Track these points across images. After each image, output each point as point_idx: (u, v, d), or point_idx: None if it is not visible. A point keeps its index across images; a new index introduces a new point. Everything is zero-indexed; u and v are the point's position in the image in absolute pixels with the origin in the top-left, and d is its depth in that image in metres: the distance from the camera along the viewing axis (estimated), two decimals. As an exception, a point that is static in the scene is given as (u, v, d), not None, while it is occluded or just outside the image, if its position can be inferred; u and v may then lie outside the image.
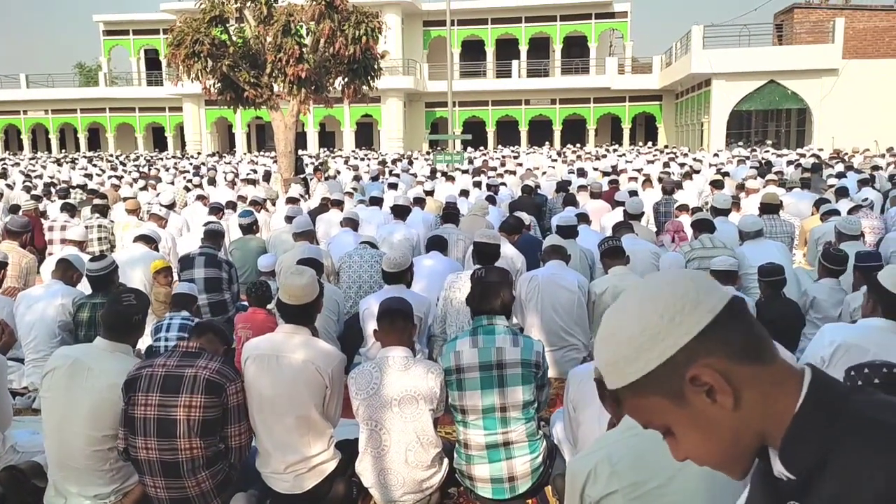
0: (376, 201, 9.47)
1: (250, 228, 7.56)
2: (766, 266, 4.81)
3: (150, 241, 6.42)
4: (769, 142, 28.00)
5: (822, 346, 3.17)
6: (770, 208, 7.13)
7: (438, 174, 15.99)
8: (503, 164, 18.61)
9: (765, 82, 27.12)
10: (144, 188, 13.71)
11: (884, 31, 31.50)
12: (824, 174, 12.77)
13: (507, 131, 37.63)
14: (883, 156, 18.89)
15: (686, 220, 7.46)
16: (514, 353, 3.17)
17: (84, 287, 5.07)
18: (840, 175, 12.22)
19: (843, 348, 3.06)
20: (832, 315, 4.77)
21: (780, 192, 10.04)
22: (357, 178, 14.87)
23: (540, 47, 38.71)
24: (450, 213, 7.56)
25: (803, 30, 30.36)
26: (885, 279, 3.09)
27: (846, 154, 19.80)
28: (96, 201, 9.65)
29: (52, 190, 13.22)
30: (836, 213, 7.22)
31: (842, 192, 9.24)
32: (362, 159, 24.37)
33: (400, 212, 7.72)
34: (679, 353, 0.93)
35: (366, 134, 37.81)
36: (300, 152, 18.56)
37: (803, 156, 18.24)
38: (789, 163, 16.48)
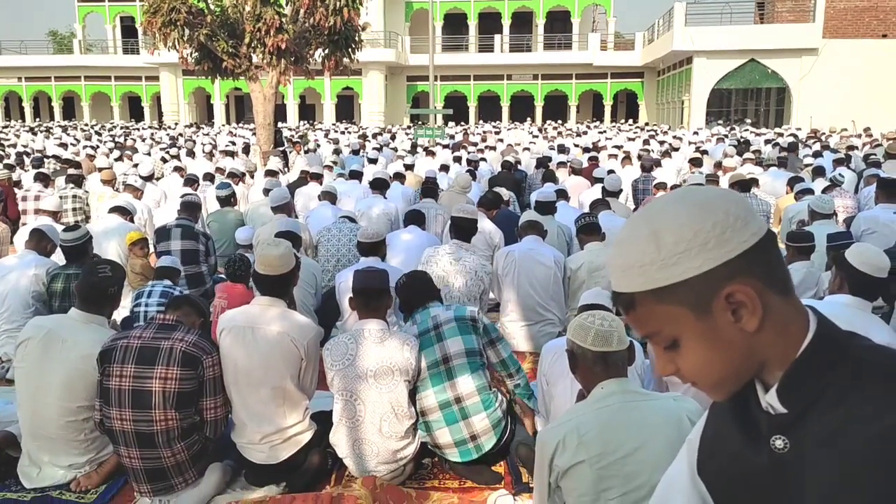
0: (356, 175, 9.44)
1: (228, 200, 7.51)
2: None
3: (125, 212, 6.36)
4: (748, 120, 28.18)
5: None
6: (743, 186, 7.20)
7: (419, 149, 15.93)
8: (484, 140, 18.58)
9: (745, 61, 27.24)
10: (120, 158, 13.53)
11: (864, 11, 31.61)
12: (801, 153, 12.90)
13: (489, 106, 37.48)
14: (859, 136, 19.11)
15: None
16: (447, 314, 3.41)
17: (58, 258, 5.02)
18: (816, 154, 12.35)
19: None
20: (807, 297, 4.81)
21: (757, 170, 10.14)
22: (337, 152, 14.76)
23: (523, 22, 38.47)
24: (429, 188, 7.55)
25: (784, 8, 30.40)
26: (851, 256, 3.15)
27: (823, 133, 20.00)
28: (71, 171, 9.52)
29: (26, 159, 13.03)
30: (811, 192, 7.30)
31: (818, 172, 9.34)
32: (343, 133, 24.19)
33: (379, 186, 7.70)
34: (721, 266, 0.92)
35: (346, 107, 37.49)
36: (280, 125, 18.34)
37: (781, 135, 18.41)
38: (767, 141, 16.62)
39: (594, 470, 2.09)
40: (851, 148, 14.07)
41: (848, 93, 25.86)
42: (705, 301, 0.94)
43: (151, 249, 6.19)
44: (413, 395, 3.27)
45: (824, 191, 7.81)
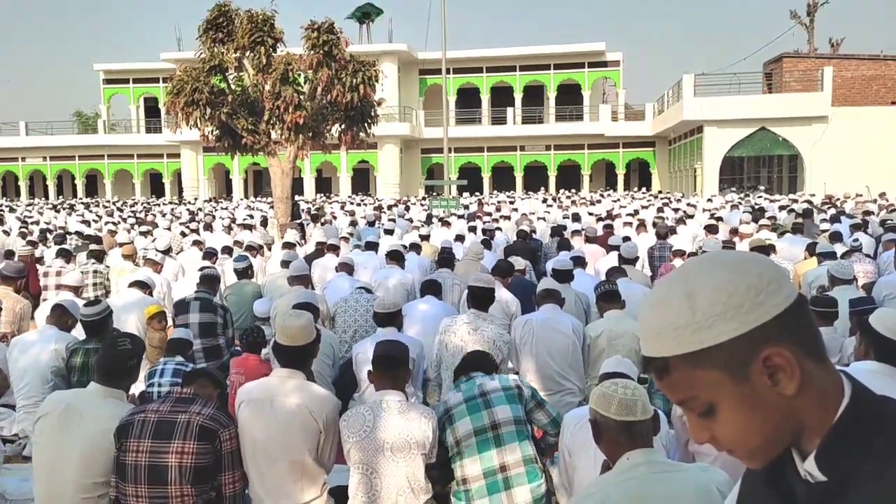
0: (372, 246, 9.50)
1: (245, 273, 7.57)
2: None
3: (144, 286, 6.42)
4: (762, 187, 28.29)
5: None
6: (760, 252, 7.16)
7: (435, 219, 16.09)
8: (498, 210, 18.74)
9: (756, 129, 27.53)
10: (142, 234, 13.75)
11: (871, 80, 32.14)
12: (816, 219, 12.89)
13: (503, 177, 37.98)
14: (875, 201, 19.08)
15: (679, 264, 7.50)
16: (493, 383, 3.46)
17: (79, 333, 5.05)
18: (833, 219, 12.33)
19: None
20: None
21: (773, 237, 10.11)
22: (353, 224, 14.94)
23: (534, 94, 39.36)
24: (445, 258, 7.58)
25: (792, 78, 30.96)
26: (876, 322, 3.10)
27: (838, 199, 20.01)
28: (92, 247, 9.67)
29: (49, 236, 13.25)
30: (833, 255, 7.26)
31: (835, 237, 9.32)
32: (359, 205, 24.53)
33: (395, 257, 7.74)
34: (757, 329, 0.92)
35: (362, 179, 38.12)
36: (297, 198, 18.65)
37: (795, 201, 18.43)
38: (781, 208, 16.64)
39: (622, 545, 2.02)
40: (868, 213, 14.04)
41: (860, 159, 25.98)
42: (742, 365, 0.93)
43: (170, 323, 6.21)
44: (426, 465, 3.20)
45: (843, 256, 7.76)
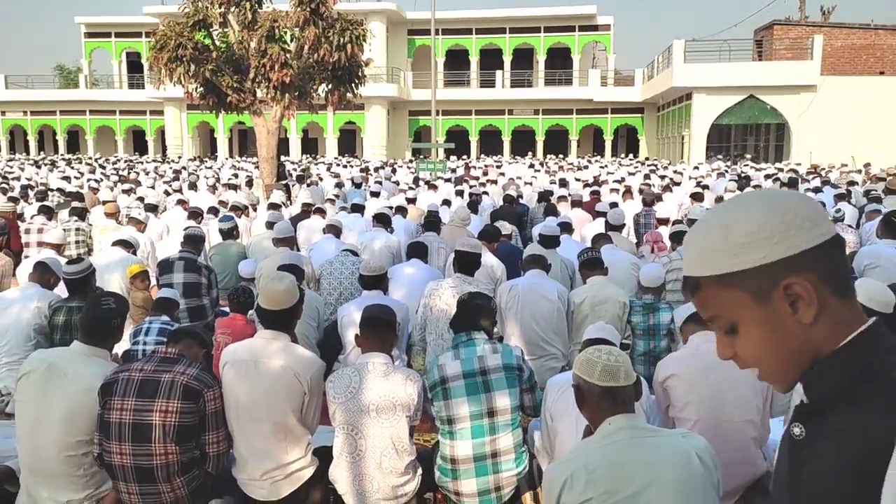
0: (358, 208, 9.46)
1: (230, 233, 7.53)
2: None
3: (128, 245, 6.37)
4: (748, 156, 28.37)
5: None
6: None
7: (421, 182, 16.02)
8: (485, 174, 18.68)
9: (744, 97, 27.48)
10: (125, 191, 13.59)
11: (861, 49, 32.08)
12: (801, 188, 12.95)
13: (491, 140, 37.76)
14: (859, 171, 19.19)
15: (665, 231, 7.53)
16: (496, 359, 3.29)
17: (61, 291, 5.01)
18: (817, 190, 12.40)
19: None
20: None
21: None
22: (339, 185, 14.84)
23: (524, 58, 38.97)
24: (431, 222, 7.57)
25: (783, 46, 30.82)
26: (857, 291, 3.14)
27: (823, 169, 20.10)
28: (74, 204, 9.56)
29: (30, 192, 13.07)
30: (813, 226, 7.31)
31: (818, 207, 9.37)
32: (345, 166, 24.34)
33: (382, 220, 7.71)
34: (783, 260, 1.00)
35: (349, 141, 37.77)
36: (283, 158, 18.48)
37: (781, 170, 18.49)
38: (767, 177, 16.70)
39: (602, 508, 2.05)
40: (852, 183, 14.13)
41: (847, 129, 26.04)
42: (765, 290, 1.02)
43: (154, 282, 6.18)
44: (410, 433, 3.23)
45: (826, 226, 7.82)
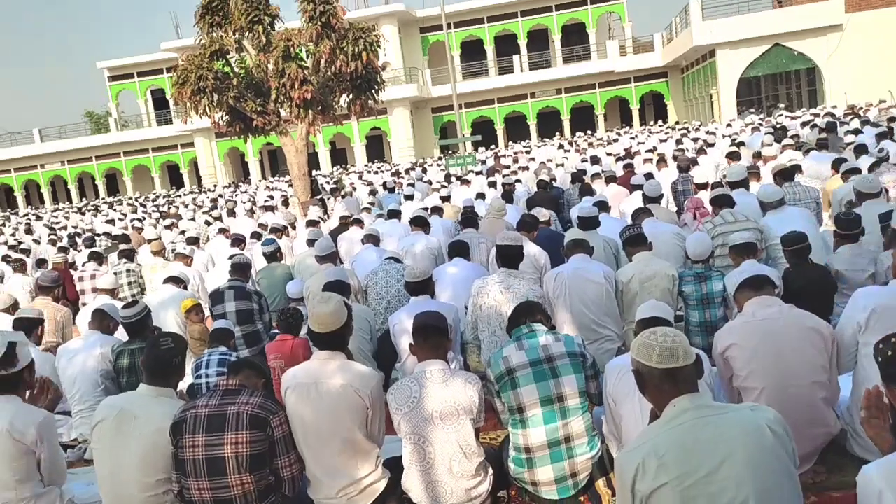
0: (395, 214, 9.50)
1: (274, 256, 7.63)
2: (788, 235, 4.74)
3: (178, 281, 6.52)
4: (781, 105, 27.64)
5: (856, 311, 3.14)
6: (785, 175, 7.03)
7: (453, 178, 16.02)
8: (516, 161, 18.60)
9: (770, 46, 26.82)
10: (167, 227, 13.91)
11: (885, -20, 30.99)
12: (841, 132, 12.60)
13: (516, 126, 37.60)
14: (899, 105, 18.59)
15: (705, 195, 7.40)
16: (559, 346, 3.35)
17: (121, 334, 5.16)
18: (857, 131, 12.06)
19: (877, 311, 3.04)
20: (861, 282, 4.62)
21: (798, 156, 9.92)
22: (373, 193, 14.95)
23: (539, 39, 38.66)
24: (468, 218, 7.56)
25: (803, -12, 29.96)
26: (912, 237, 3.05)
27: (861, 108, 19.50)
28: (122, 246, 9.83)
29: (78, 240, 13.48)
30: (858, 171, 7.11)
31: (860, 149, 9.11)
32: (376, 172, 24.50)
33: (419, 223, 7.74)
34: None
35: (376, 146, 37.99)
36: (314, 173, 18.65)
37: (818, 115, 18.00)
38: (804, 124, 16.27)
39: (678, 492, 2.04)
40: (893, 119, 13.67)
41: (879, 65, 25.21)
42: None
43: (207, 314, 6.32)
44: (476, 434, 3.24)
45: (871, 168, 7.59)
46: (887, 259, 4.42)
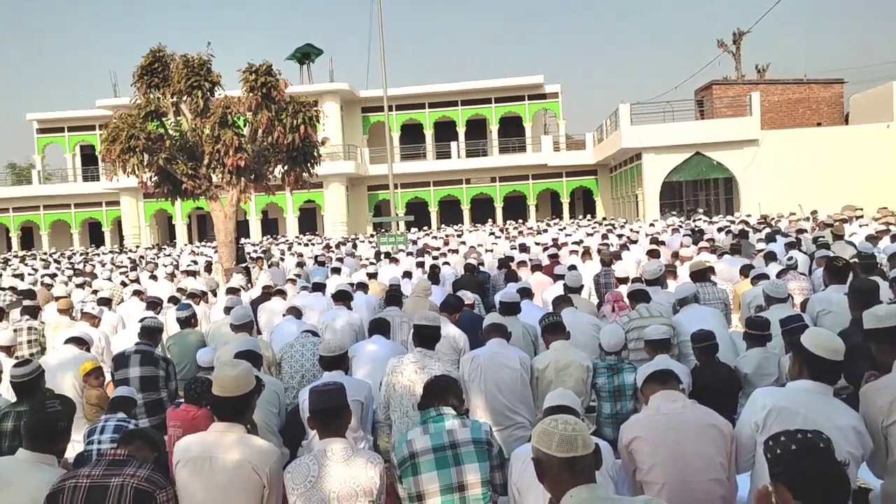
0: (319, 287, 9.39)
1: (188, 322, 7.39)
2: (697, 333, 4.92)
3: (81, 342, 6.19)
4: (701, 210, 29.11)
5: (754, 410, 3.22)
6: (699, 275, 7.32)
7: (383, 257, 16.04)
8: (446, 244, 18.80)
9: (691, 154, 28.39)
10: (80, 286, 13.33)
11: (797, 103, 33.63)
12: (753, 239, 13.28)
13: (450, 210, 38.23)
14: (807, 219, 19.79)
15: (624, 290, 7.61)
16: (465, 433, 3.30)
17: (11, 395, 4.83)
18: (769, 238, 12.73)
19: (774, 412, 3.12)
20: (767, 384, 4.78)
21: (712, 258, 10.38)
22: (300, 265, 14.78)
23: (477, 128, 39.93)
24: (393, 296, 7.55)
25: (723, 104, 32.12)
26: (806, 341, 3.19)
27: (772, 219, 20.68)
28: (26, 302, 9.32)
29: (-20, 293, 12.71)
30: (766, 276, 7.47)
31: (770, 257, 9.62)
32: (306, 245, 24.30)
33: (342, 297, 7.67)
34: None
35: (310, 219, 37.87)
36: (242, 240, 18.41)
37: (733, 222, 18.98)
38: (720, 229, 17.11)
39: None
40: (801, 231, 14.53)
41: (791, 179, 26.97)
42: None
43: (109, 378, 6.00)
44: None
45: (779, 274, 7.99)
46: (788, 362, 4.60)
